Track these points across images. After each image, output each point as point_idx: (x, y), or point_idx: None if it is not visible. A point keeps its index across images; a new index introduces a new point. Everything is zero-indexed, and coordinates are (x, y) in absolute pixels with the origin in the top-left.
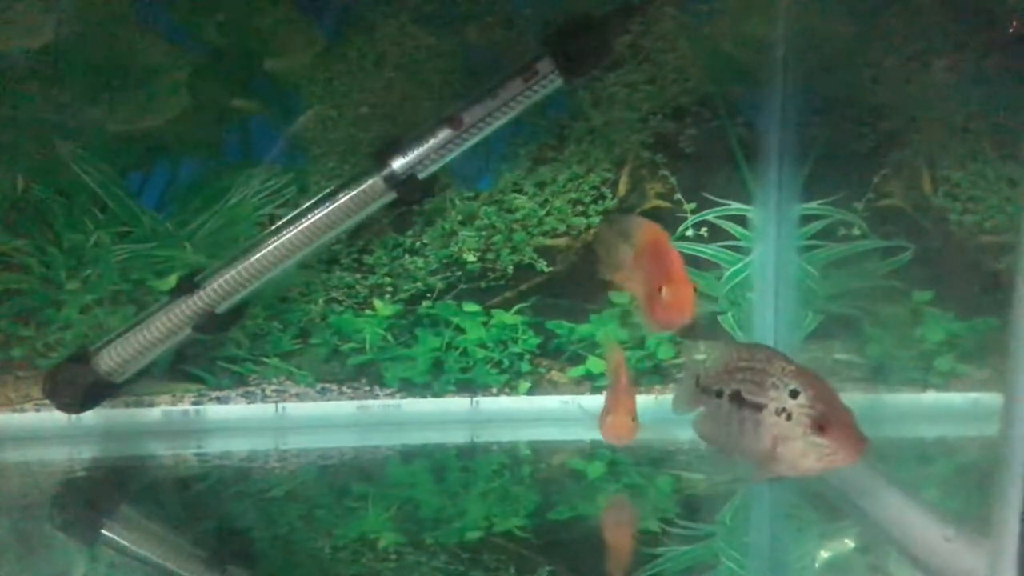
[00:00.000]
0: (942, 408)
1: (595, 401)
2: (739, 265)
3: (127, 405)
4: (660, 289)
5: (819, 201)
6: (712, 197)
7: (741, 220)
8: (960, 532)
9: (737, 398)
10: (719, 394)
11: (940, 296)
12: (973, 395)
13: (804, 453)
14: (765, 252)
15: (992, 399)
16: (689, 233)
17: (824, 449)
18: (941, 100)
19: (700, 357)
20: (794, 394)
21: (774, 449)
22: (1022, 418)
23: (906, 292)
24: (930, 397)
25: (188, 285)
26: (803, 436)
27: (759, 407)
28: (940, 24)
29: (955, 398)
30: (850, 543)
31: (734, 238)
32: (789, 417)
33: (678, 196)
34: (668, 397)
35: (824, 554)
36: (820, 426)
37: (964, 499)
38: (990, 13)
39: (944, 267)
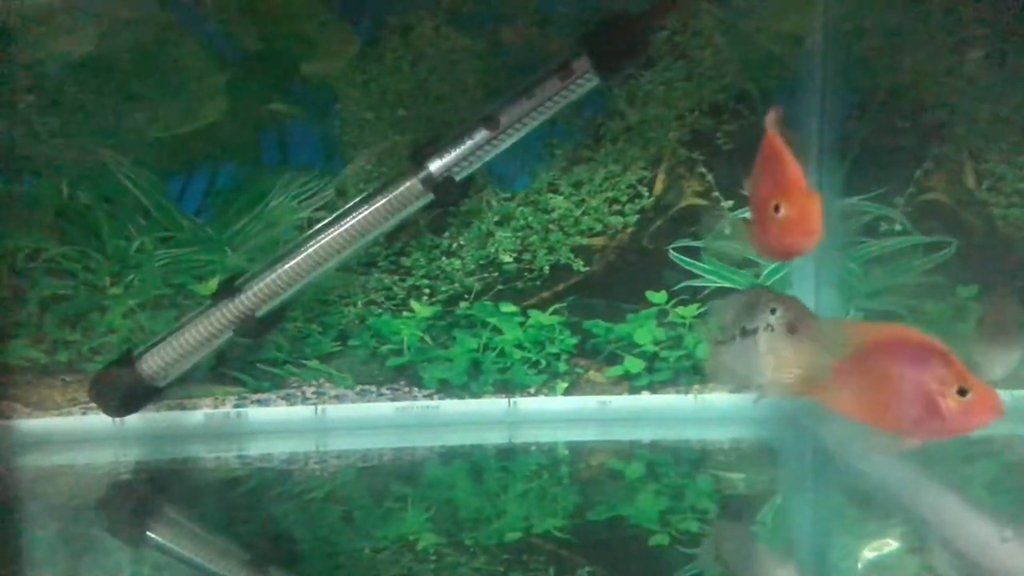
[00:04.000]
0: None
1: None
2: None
3: (170, 408)
4: (776, 207)
5: (860, 197)
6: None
7: None
8: (1017, 531)
9: (744, 333)
10: (733, 337)
11: (985, 291)
12: (1020, 392)
13: (787, 358)
14: None
15: None
16: (727, 231)
17: (799, 349)
18: (984, 92)
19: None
20: (773, 311)
21: (767, 362)
22: None
23: (950, 287)
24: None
25: (229, 289)
26: (783, 340)
27: (753, 331)
28: (981, 15)
29: (1001, 395)
30: (898, 543)
31: None
32: (772, 330)
33: (715, 194)
34: (707, 397)
35: (870, 554)
36: (792, 329)
37: (1014, 498)
38: None
39: (989, 262)
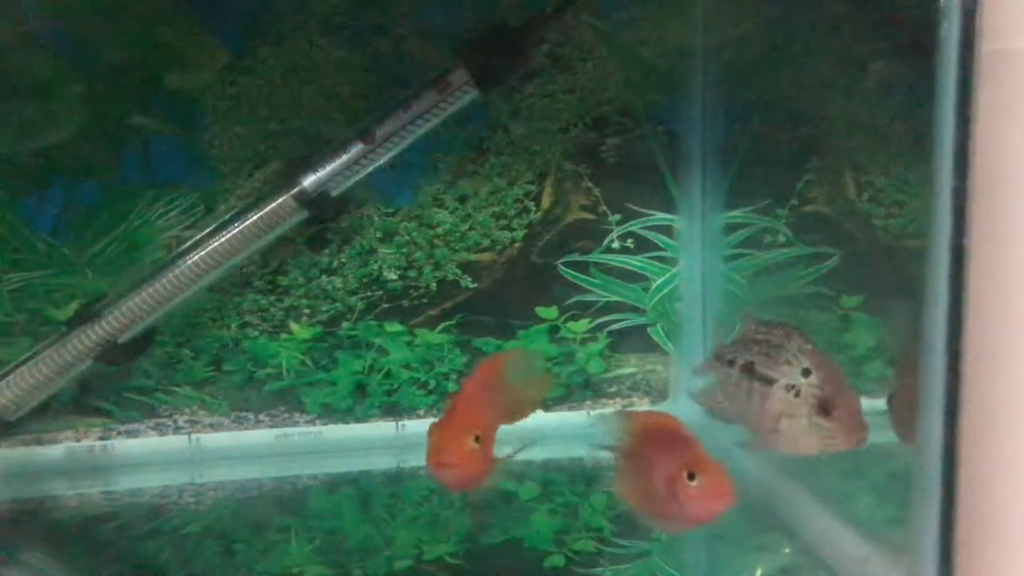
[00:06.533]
0: (873, 414)
1: None
2: (666, 276)
3: (25, 443)
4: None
5: (743, 209)
6: (637, 208)
7: (667, 230)
8: (883, 547)
9: (749, 370)
10: (731, 363)
11: (868, 301)
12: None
13: (806, 433)
14: (691, 262)
15: None
16: (615, 245)
17: (825, 432)
18: (861, 105)
19: (631, 370)
20: (806, 373)
21: (777, 423)
22: (936, 426)
23: (834, 298)
24: (862, 404)
25: (88, 314)
26: (807, 415)
27: (770, 381)
28: (857, 30)
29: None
30: (775, 562)
31: (660, 249)
32: (798, 394)
33: (603, 208)
34: (601, 413)
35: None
36: (825, 408)
37: (896, 507)
38: (899, 20)
39: (871, 272)
